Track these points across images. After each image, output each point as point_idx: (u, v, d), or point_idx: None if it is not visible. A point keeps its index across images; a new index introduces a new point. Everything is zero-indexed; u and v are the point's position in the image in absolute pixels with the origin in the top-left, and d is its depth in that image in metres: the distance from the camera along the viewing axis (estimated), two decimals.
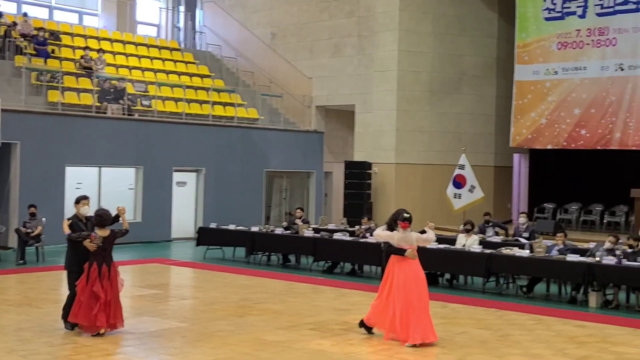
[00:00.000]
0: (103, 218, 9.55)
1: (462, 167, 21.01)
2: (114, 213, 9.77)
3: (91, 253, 9.41)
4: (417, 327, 9.31)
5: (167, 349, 9.02)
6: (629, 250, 13.25)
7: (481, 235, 16.22)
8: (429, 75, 24.42)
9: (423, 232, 10.16)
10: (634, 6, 21.16)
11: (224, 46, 28.38)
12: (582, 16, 22.08)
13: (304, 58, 26.65)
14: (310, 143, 25.22)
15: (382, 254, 10.58)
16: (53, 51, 22.50)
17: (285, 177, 25.25)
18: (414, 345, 9.23)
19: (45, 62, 21.61)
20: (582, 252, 13.99)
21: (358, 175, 24.06)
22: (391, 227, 9.81)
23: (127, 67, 23.87)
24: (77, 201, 9.90)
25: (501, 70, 25.09)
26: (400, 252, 9.57)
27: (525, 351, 9.33)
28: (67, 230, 9.62)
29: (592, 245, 14.89)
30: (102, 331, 9.29)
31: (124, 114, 21.06)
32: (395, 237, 9.66)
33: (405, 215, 9.65)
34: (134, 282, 13.90)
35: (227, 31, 28.86)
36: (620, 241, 13.94)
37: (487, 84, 25.14)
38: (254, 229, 18.13)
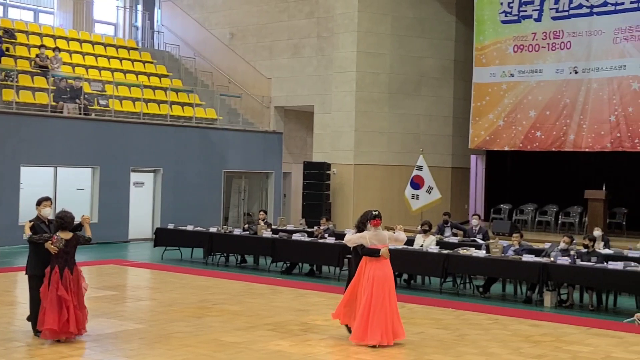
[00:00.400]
0: (64, 220, 9.36)
1: (420, 168, 21.15)
2: (74, 214, 9.61)
3: (52, 256, 9.21)
4: (376, 327, 9.35)
5: (124, 351, 8.94)
6: (583, 251, 13.48)
7: (439, 236, 16.37)
8: (388, 77, 24.55)
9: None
10: (587, 10, 21.52)
11: (183, 46, 28.20)
12: (538, 20, 22.38)
13: (263, 58, 26.61)
14: (269, 143, 25.19)
15: (352, 257, 10.49)
16: (8, 49, 22.14)
17: (244, 178, 25.19)
18: (373, 346, 9.29)
19: (0, 60, 21.27)
20: (537, 253, 14.21)
21: (317, 176, 24.09)
22: (360, 229, 9.84)
23: (83, 66, 23.59)
24: (39, 203, 9.71)
25: (459, 73, 25.32)
26: (375, 253, 9.57)
27: (482, 350, 9.44)
28: (28, 232, 9.44)
29: (547, 245, 15.10)
30: (62, 339, 9.12)
31: (80, 114, 20.81)
32: (367, 237, 9.66)
33: (374, 212, 9.71)
34: (91, 283, 13.67)
35: (185, 31, 28.69)
36: (574, 241, 14.19)
37: (445, 86, 25.35)
38: (212, 229, 18.06)
